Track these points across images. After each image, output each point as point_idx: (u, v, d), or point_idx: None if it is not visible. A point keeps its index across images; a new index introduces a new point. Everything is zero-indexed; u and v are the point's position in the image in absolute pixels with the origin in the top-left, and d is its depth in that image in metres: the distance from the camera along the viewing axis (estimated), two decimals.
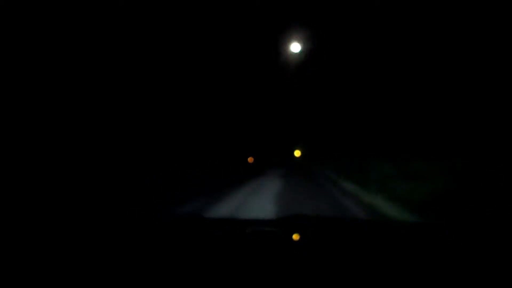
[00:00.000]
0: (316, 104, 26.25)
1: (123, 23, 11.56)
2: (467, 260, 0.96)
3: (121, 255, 1.00)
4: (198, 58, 18.12)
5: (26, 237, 1.19)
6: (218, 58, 20.15)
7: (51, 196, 5.62)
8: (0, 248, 1.05)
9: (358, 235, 1.35)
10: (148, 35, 13.47)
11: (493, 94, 7.77)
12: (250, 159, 23.94)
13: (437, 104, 9.54)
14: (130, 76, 12.82)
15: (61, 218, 2.52)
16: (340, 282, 0.81)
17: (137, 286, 0.77)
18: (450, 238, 1.22)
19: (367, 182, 7.97)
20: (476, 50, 8.19)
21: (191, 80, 18.32)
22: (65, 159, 9.05)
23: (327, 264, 0.93)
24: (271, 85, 28.85)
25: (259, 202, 6.01)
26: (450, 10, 8.99)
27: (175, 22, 15.10)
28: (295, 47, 15.07)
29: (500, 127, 7.11)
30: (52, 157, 8.63)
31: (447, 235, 1.29)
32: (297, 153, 40.20)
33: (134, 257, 0.98)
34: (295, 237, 1.30)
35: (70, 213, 4.29)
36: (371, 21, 12.64)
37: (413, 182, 6.65)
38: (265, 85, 28.31)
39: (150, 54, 14.05)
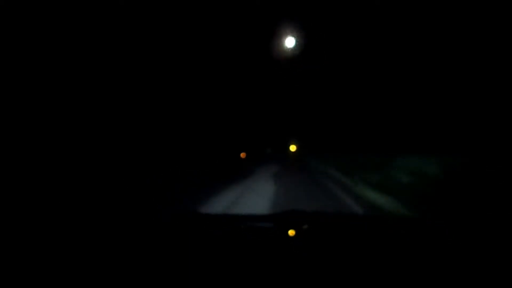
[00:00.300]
0: (313, 98, 24.19)
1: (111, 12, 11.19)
2: (465, 256, 0.94)
3: (119, 255, 1.00)
4: (191, 54, 16.60)
5: (26, 237, 1.16)
6: (211, 53, 18.27)
7: (50, 196, 5.56)
8: (0, 248, 1.05)
9: (355, 231, 1.31)
10: (140, 30, 12.91)
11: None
12: (243, 155, 24.04)
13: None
14: (125, 73, 12.52)
15: (61, 218, 2.24)
16: (337, 278, 0.80)
17: (136, 285, 0.78)
18: (449, 235, 1.19)
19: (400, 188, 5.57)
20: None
21: (183, 76, 16.71)
22: (65, 159, 8.97)
23: (323, 260, 0.92)
24: (265, 80, 26.89)
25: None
26: None
27: (163, 16, 13.68)
28: (290, 42, 14.68)
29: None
30: (51, 157, 8.59)
31: (446, 232, 1.26)
32: (293, 147, 36.92)
33: (132, 256, 0.97)
34: (291, 233, 1.26)
35: (70, 213, 4.17)
36: (373, 11, 11.36)
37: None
38: (259, 80, 26.32)
39: (143, 51, 13.47)
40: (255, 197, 6.01)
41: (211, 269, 0.83)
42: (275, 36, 16.98)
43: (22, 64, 8.41)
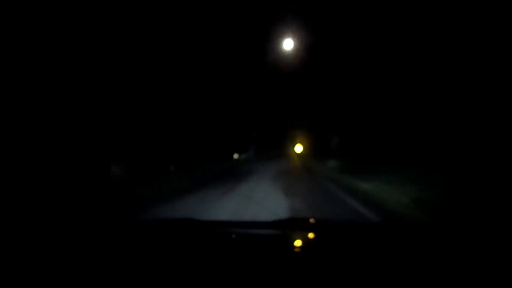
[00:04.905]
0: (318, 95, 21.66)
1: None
2: (476, 261, 0.89)
3: (114, 258, 0.98)
4: (181, 56, 15.55)
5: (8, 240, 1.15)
6: (201, 56, 17.04)
7: (49, 197, 5.47)
8: None
9: (366, 239, 1.22)
10: (136, 29, 12.31)
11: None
12: None
13: None
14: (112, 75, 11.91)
15: (63, 218, 2.44)
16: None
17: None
18: (456, 239, 1.14)
19: None
20: None
21: (172, 80, 15.71)
22: (58, 160, 8.84)
23: (333, 270, 0.86)
24: (260, 85, 25.18)
25: None
26: None
27: (153, 15, 13.03)
28: (288, 44, 13.58)
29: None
30: (48, 158, 8.51)
31: (453, 236, 1.20)
32: (298, 148, 25.08)
33: (130, 261, 0.95)
34: (297, 243, 1.20)
35: (71, 214, 4.21)
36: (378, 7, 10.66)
37: None
38: (253, 86, 24.62)
39: (140, 50, 12.78)
40: None
41: (213, 274, 0.81)
42: (273, 38, 15.86)
43: (21, 64, 8.33)
